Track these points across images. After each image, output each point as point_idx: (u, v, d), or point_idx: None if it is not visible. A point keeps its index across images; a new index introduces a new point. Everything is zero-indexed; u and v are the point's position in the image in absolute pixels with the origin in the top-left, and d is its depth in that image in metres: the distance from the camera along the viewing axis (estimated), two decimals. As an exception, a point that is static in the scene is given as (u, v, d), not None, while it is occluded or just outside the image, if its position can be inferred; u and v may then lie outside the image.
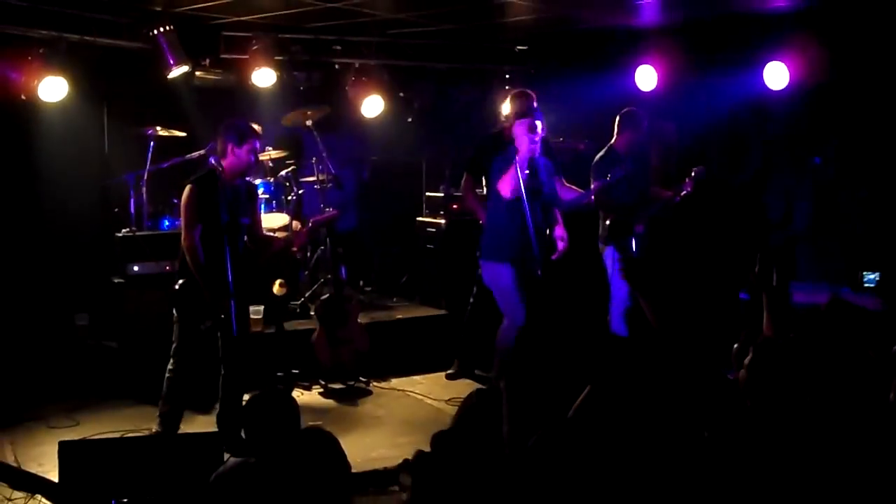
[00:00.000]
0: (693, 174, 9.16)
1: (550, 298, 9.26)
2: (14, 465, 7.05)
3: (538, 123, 8.23)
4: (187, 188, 7.46)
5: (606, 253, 9.45)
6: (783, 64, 9.88)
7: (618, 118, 9.63)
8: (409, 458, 4.77)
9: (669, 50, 10.47)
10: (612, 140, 9.62)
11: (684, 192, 9.26)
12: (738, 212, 10.51)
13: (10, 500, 5.60)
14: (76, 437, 7.39)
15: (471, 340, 9.81)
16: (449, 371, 9.92)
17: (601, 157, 9.53)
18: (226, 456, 6.20)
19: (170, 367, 7.70)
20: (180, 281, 7.45)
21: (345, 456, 4.52)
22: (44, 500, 5.44)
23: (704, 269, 10.56)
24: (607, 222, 9.42)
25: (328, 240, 10.23)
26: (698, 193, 9.29)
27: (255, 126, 8.36)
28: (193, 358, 7.71)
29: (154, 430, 7.77)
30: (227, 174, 7.41)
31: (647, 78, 10.64)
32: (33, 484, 5.34)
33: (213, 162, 7.62)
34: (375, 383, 9.66)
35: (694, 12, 9.82)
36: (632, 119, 9.59)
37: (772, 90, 10.03)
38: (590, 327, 9.67)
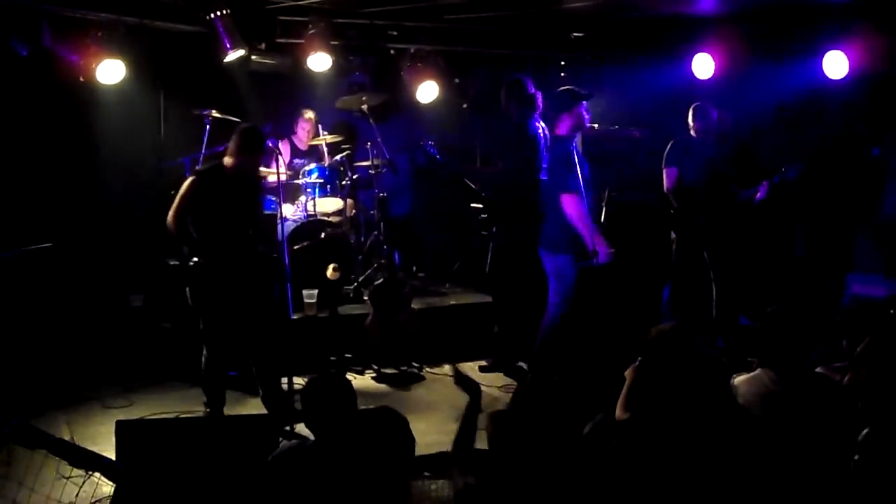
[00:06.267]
0: (775, 178, 9.30)
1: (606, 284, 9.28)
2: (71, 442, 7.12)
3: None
4: (189, 179, 7.83)
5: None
6: (843, 53, 9.78)
7: (690, 111, 9.76)
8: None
9: (727, 38, 10.38)
10: (690, 130, 9.77)
11: (760, 196, 9.37)
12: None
13: (68, 477, 5.64)
14: (131, 417, 7.47)
15: (513, 332, 9.72)
16: (482, 363, 9.80)
17: (674, 144, 9.70)
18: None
19: (203, 353, 7.87)
20: (194, 260, 7.70)
21: (412, 436, 4.55)
22: (101, 478, 5.47)
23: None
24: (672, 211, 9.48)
25: (382, 224, 10.24)
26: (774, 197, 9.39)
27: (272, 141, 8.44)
28: (223, 341, 7.84)
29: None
30: (229, 171, 7.78)
31: (704, 66, 10.56)
32: (91, 461, 5.37)
33: (269, 144, 7.92)
34: (428, 369, 9.64)
35: (752, 0, 9.73)
36: (700, 111, 9.73)
37: (831, 79, 9.93)
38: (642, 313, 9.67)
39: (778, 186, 9.47)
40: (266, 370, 7.92)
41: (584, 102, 8.66)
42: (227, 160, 7.80)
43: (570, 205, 8.44)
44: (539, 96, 9.25)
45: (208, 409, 7.90)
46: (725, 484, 4.48)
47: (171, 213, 7.69)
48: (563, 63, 11.36)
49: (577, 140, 8.96)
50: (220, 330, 7.77)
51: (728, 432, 4.81)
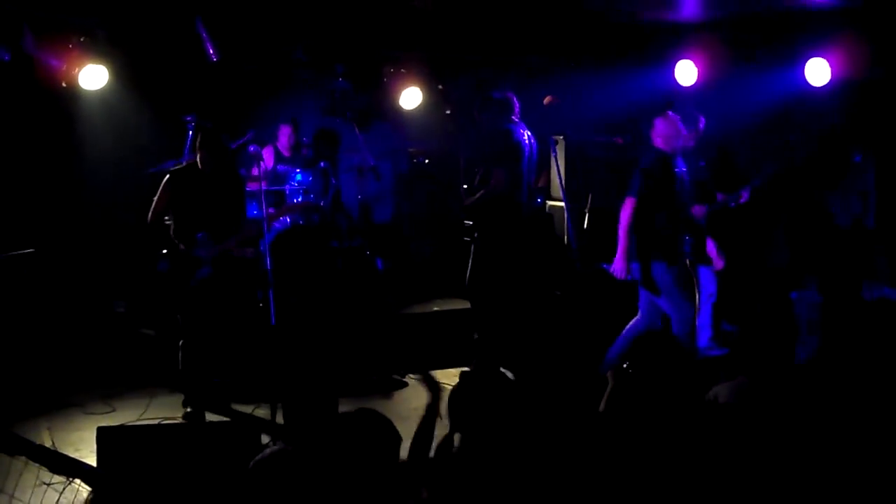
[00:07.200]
0: (755, 181, 9.33)
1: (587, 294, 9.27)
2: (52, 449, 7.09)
3: None
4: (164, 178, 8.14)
5: None
6: (825, 60, 9.80)
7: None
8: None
9: (710, 45, 10.39)
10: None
11: (742, 200, 9.40)
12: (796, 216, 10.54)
13: (49, 483, 5.62)
14: (113, 424, 7.45)
15: (493, 339, 9.66)
16: (464, 369, 9.75)
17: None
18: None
19: (180, 348, 8.10)
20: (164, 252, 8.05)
21: (397, 434, 4.55)
22: (82, 484, 5.45)
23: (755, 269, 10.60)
24: None
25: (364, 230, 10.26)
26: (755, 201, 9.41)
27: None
28: (198, 334, 8.01)
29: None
30: (199, 169, 8.07)
31: (687, 73, 10.56)
32: (72, 468, 5.35)
33: (251, 150, 8.01)
34: (411, 375, 9.62)
35: (735, 7, 9.76)
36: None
37: (813, 86, 9.96)
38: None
39: (759, 188, 9.51)
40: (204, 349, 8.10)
41: (669, 113, 8.73)
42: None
43: (624, 210, 8.50)
44: (512, 97, 9.26)
45: (188, 409, 8.02)
46: (704, 486, 4.50)
47: (150, 212, 8.05)
48: (546, 69, 11.35)
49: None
50: (196, 322, 7.99)
51: (707, 437, 4.82)
